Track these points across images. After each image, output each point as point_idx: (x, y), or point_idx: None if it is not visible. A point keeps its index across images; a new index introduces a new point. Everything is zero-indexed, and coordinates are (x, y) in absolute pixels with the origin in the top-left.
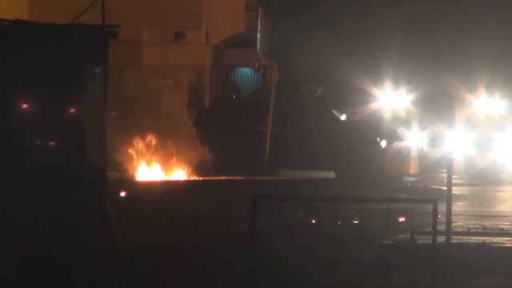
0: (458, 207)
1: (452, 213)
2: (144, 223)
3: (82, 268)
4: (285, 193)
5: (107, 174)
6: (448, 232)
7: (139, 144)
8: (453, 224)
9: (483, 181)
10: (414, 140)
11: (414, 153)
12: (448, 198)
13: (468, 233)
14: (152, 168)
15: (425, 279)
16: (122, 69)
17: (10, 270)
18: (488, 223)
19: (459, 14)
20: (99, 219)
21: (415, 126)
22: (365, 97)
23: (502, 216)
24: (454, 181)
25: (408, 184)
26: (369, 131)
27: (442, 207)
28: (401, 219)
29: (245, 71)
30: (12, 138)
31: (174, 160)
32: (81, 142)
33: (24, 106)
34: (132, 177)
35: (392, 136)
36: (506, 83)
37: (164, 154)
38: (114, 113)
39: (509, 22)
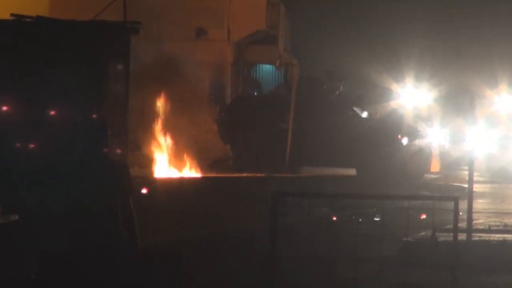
0: (479, 204)
1: (473, 210)
2: (164, 220)
3: (103, 265)
4: (306, 190)
5: (130, 171)
6: (469, 229)
7: (159, 140)
8: (474, 221)
9: (504, 178)
10: (435, 137)
11: (435, 150)
12: (469, 195)
13: (489, 230)
14: (172, 165)
15: (446, 276)
16: (143, 66)
17: (32, 267)
18: (509, 221)
19: (480, 11)
20: (121, 216)
21: (436, 123)
22: (387, 94)
23: None
24: (475, 178)
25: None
26: (390, 128)
27: (463, 205)
28: (422, 217)
29: (266, 68)
30: (32, 133)
31: (194, 156)
32: (104, 138)
33: (45, 103)
34: (152, 174)
35: (413, 134)
36: None
37: (185, 151)
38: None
39: None
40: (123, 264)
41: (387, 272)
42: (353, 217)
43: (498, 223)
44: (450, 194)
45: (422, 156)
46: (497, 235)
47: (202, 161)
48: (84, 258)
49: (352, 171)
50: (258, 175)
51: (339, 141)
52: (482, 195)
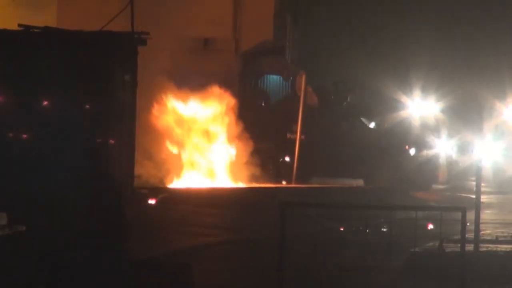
0: (486, 215)
1: (481, 221)
2: (175, 230)
3: (110, 274)
4: (313, 201)
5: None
6: (477, 240)
7: (168, 151)
8: (481, 232)
9: (511, 189)
10: (443, 148)
11: (443, 161)
12: (477, 206)
13: (496, 241)
14: (181, 176)
15: (453, 287)
16: (151, 76)
17: (42, 276)
18: None
19: (489, 22)
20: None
21: (444, 134)
22: (394, 105)
23: None
24: (482, 189)
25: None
26: (398, 139)
27: (470, 215)
28: (430, 227)
29: (274, 78)
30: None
31: (203, 167)
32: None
33: (53, 112)
34: (162, 184)
35: (421, 144)
36: None
37: (194, 161)
38: None
39: None
40: (130, 273)
41: (395, 282)
42: (360, 228)
43: (506, 234)
44: (458, 204)
45: (430, 166)
46: (505, 246)
47: (210, 171)
48: (91, 268)
49: (360, 182)
50: (266, 185)
51: (347, 151)
52: (489, 205)
